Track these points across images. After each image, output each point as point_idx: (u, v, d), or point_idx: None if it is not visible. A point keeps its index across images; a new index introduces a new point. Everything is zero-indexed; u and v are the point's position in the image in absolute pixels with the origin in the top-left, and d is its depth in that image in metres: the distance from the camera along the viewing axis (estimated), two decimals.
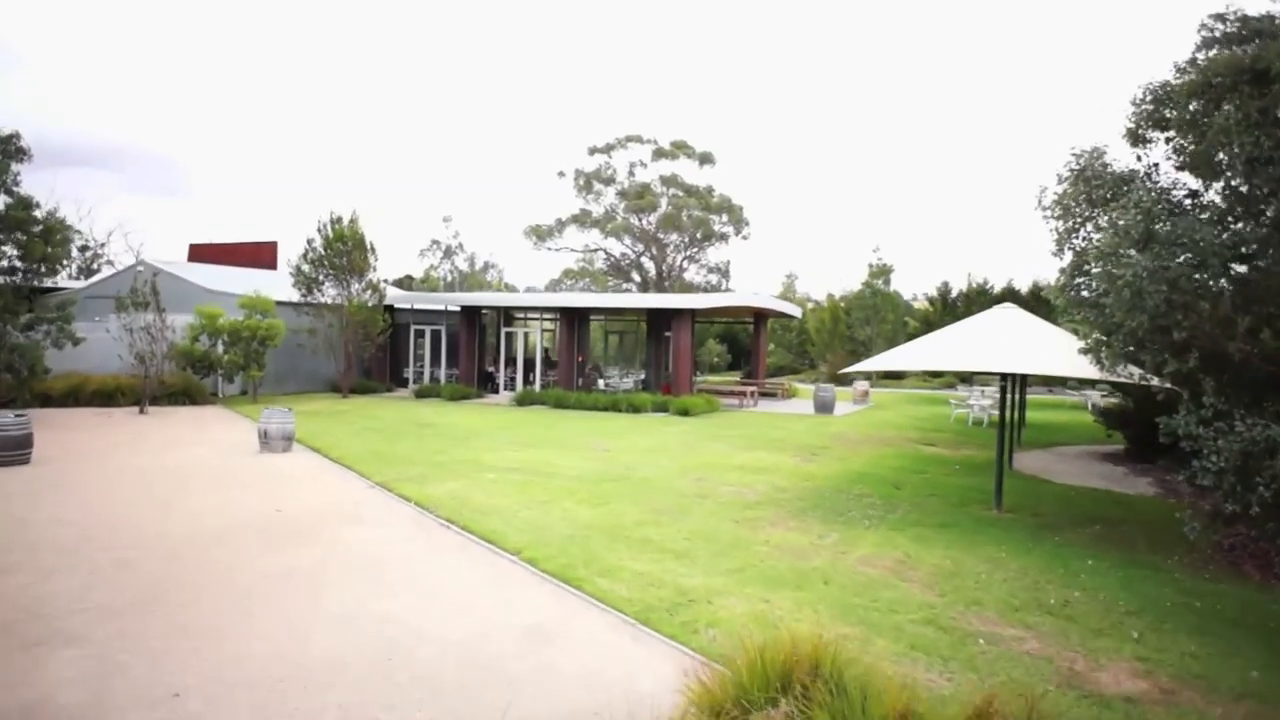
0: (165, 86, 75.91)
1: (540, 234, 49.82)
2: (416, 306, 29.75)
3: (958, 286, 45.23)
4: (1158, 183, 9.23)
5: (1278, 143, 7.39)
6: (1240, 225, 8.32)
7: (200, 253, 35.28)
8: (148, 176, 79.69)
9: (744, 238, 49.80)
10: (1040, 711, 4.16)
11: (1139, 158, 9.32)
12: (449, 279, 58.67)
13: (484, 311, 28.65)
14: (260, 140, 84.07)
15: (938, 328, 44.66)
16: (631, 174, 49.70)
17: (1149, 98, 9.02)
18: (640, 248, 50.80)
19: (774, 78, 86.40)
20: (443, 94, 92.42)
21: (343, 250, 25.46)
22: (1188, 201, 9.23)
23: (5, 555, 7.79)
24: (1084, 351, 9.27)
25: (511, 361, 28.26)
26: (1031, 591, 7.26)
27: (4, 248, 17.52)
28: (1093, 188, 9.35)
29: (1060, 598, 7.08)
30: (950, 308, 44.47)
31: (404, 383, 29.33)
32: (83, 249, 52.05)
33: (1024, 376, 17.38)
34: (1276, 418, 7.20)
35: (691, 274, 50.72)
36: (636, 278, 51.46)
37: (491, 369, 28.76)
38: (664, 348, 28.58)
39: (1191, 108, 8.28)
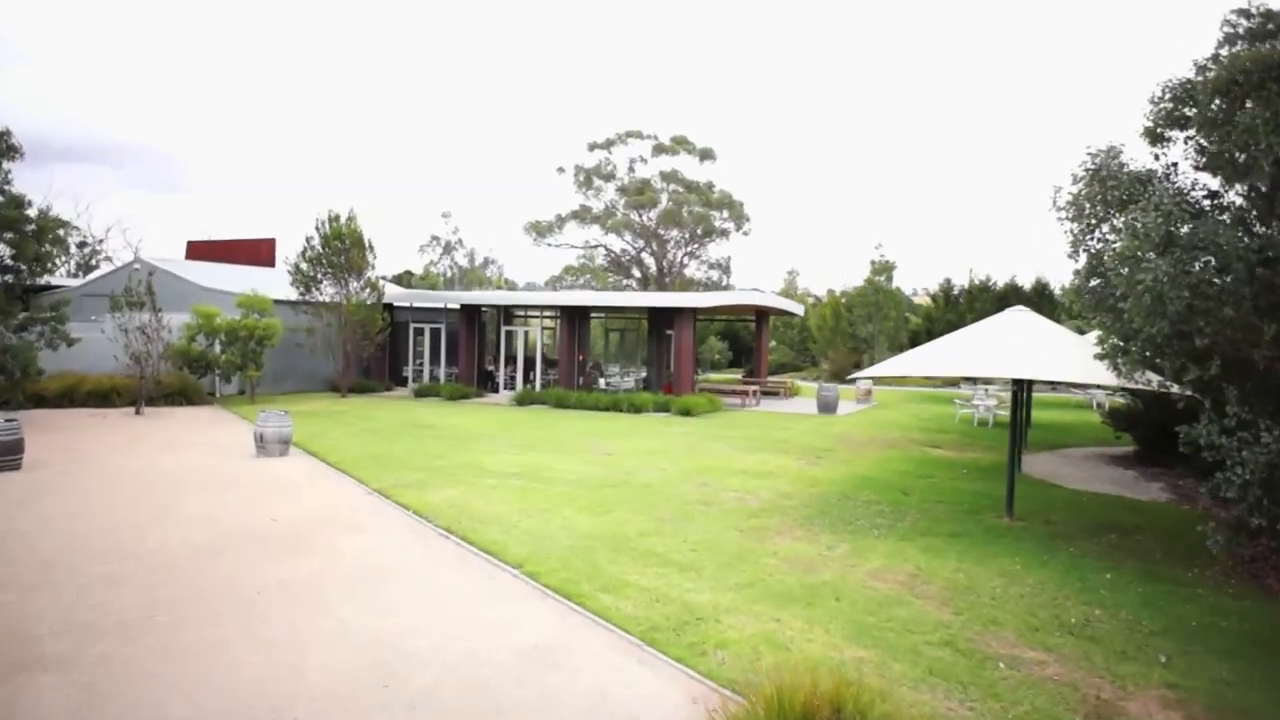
0: (165, 82, 75.56)
1: (540, 230, 49.54)
2: (416, 305, 29.48)
3: (958, 282, 45.01)
4: (1175, 183, 8.97)
5: None
6: (1264, 228, 8.05)
7: (198, 250, 35.02)
8: (147, 172, 79.39)
9: (745, 233, 49.50)
10: None
11: (1157, 157, 9.06)
12: (448, 275, 58.38)
13: (484, 310, 28.40)
14: (260, 135, 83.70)
15: (940, 324, 44.56)
16: (632, 170, 49.38)
17: (1168, 95, 8.75)
18: (640, 244, 50.51)
19: (775, 73, 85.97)
20: (443, 89, 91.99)
21: (341, 248, 25.20)
22: (1206, 203, 8.98)
23: None
24: (1100, 357, 9.02)
25: (511, 360, 28.01)
26: (1050, 609, 7.02)
27: None
28: (1108, 188, 9.09)
29: (1080, 616, 6.84)
30: (953, 305, 44.24)
31: (403, 382, 29.08)
32: (81, 245, 51.78)
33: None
34: None
35: (692, 270, 50.45)
36: (637, 274, 51.20)
37: (491, 368, 28.50)
38: (665, 346, 28.33)
39: (1214, 106, 8.00)
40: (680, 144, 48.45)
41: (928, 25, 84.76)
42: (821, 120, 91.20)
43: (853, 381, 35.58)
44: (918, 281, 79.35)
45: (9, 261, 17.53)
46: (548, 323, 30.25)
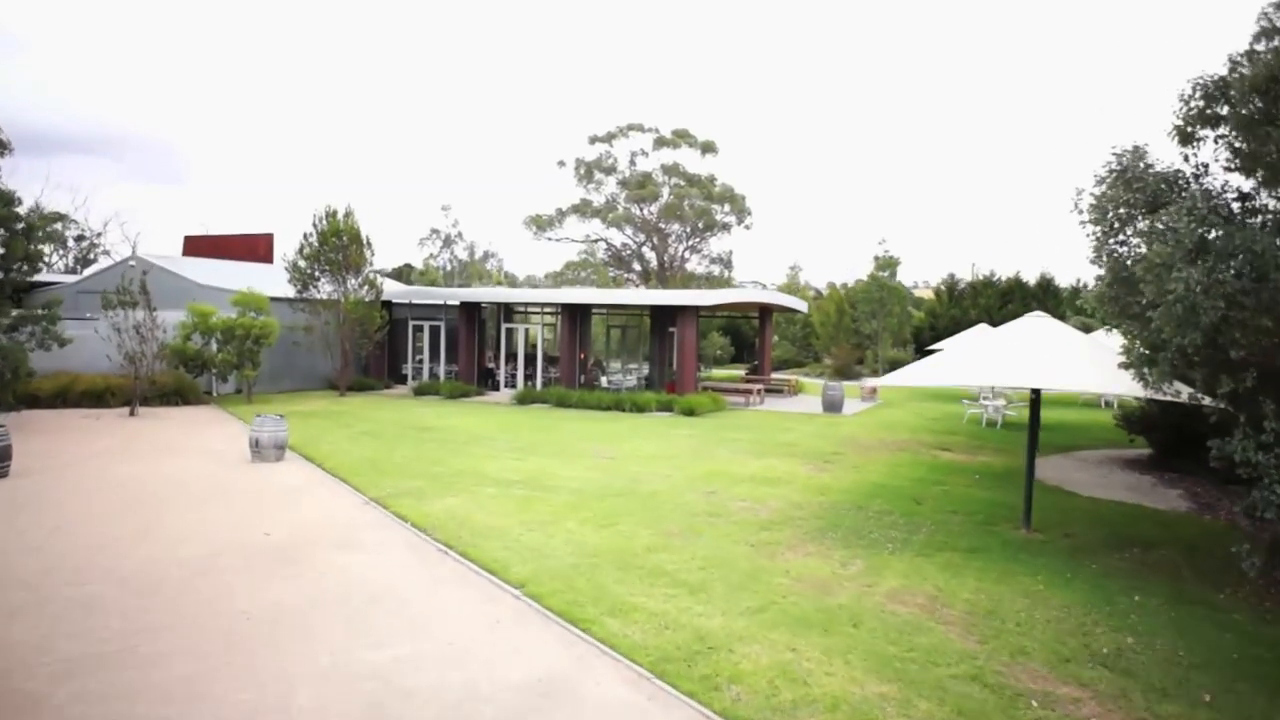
0: (165, 73, 74.97)
1: (540, 224, 49.14)
2: (415, 302, 29.09)
3: (960, 274, 44.61)
4: (1204, 186, 8.59)
5: None
6: None
7: (195, 245, 34.61)
8: (148, 164, 78.88)
9: (746, 227, 49.13)
10: None
11: (1186, 158, 8.67)
12: (448, 268, 57.96)
13: (484, 307, 28.02)
14: (260, 127, 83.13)
15: (943, 320, 44.08)
16: (633, 163, 48.95)
17: (1199, 93, 8.35)
18: (641, 238, 50.10)
19: (778, 66, 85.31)
20: (443, 82, 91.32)
21: (338, 245, 24.80)
22: (1236, 205, 8.60)
23: None
24: (1125, 366, 8.66)
25: (512, 358, 27.65)
26: (1079, 636, 6.67)
27: None
28: (1134, 190, 8.70)
29: (1112, 645, 6.49)
30: (956, 300, 43.85)
31: (402, 379, 28.72)
32: (79, 239, 51.37)
33: None
34: None
35: (693, 264, 50.06)
36: (638, 268, 50.78)
37: (491, 365, 28.14)
38: (667, 343, 27.96)
39: (1252, 105, 7.61)
40: (682, 137, 47.99)
41: (930, 18, 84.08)
42: (823, 113, 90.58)
43: (855, 375, 35.30)
44: (919, 274, 78.93)
45: None
46: (548, 319, 29.86)
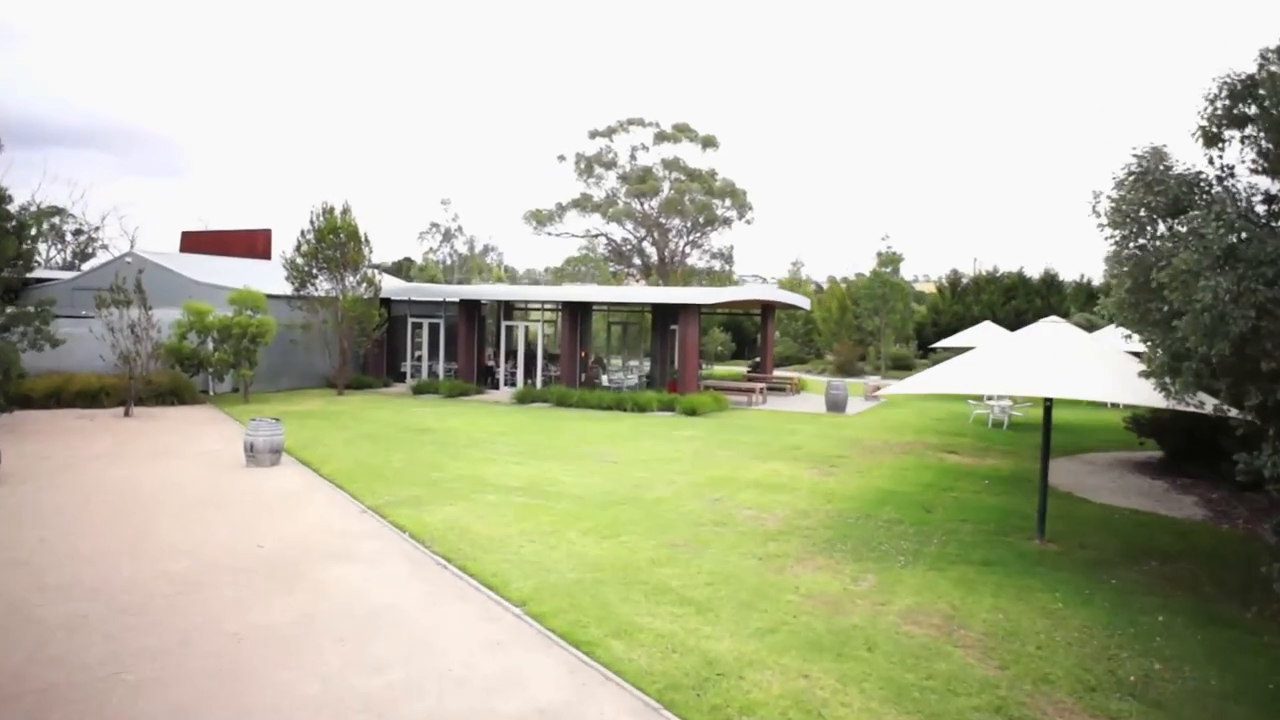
0: (165, 66, 74.49)
1: (540, 219, 48.80)
2: (414, 299, 28.76)
3: (963, 269, 44.30)
4: (1229, 188, 8.29)
5: None
6: None
7: (193, 240, 34.24)
8: (146, 158, 78.45)
9: (747, 222, 48.82)
10: None
11: (1211, 160, 8.36)
12: (448, 263, 57.64)
13: (483, 304, 27.72)
14: (260, 120, 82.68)
15: (946, 315, 43.69)
16: (633, 158, 48.61)
17: (1225, 92, 8.05)
18: (642, 233, 49.79)
19: (779, 60, 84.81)
20: (444, 76, 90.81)
21: (336, 242, 24.47)
22: (1261, 208, 8.31)
23: None
24: (1146, 375, 8.38)
25: (512, 355, 27.37)
26: (1103, 661, 6.41)
27: None
28: (1155, 194, 8.40)
29: (1139, 671, 6.23)
30: (959, 296, 43.54)
31: (401, 378, 28.42)
32: (77, 233, 51.01)
33: None
34: None
35: (694, 259, 49.74)
36: (638, 263, 50.47)
37: (491, 363, 27.85)
38: (669, 341, 27.67)
39: None
40: (682, 131, 47.62)
41: (932, 13, 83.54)
42: (825, 108, 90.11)
43: (858, 372, 35.01)
44: (921, 269, 78.58)
45: None
46: (549, 316, 29.56)
